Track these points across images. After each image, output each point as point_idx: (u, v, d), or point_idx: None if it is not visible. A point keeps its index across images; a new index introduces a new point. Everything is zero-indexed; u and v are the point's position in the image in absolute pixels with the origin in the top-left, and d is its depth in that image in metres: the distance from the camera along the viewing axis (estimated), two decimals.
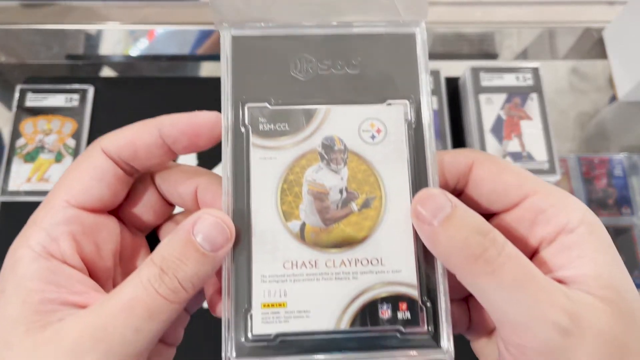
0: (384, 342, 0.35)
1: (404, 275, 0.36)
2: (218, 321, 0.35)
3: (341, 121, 0.37)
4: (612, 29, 0.99)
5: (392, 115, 0.37)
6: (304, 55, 0.37)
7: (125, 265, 0.39)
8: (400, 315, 0.35)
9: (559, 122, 0.94)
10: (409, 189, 0.36)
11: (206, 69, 0.96)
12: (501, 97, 0.91)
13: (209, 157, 0.89)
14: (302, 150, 0.37)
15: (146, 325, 0.32)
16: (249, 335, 0.34)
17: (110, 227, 0.37)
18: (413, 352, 0.35)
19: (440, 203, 0.33)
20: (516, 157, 0.88)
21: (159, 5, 0.98)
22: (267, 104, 0.37)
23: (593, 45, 1.00)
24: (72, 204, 0.35)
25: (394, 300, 0.35)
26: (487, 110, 0.90)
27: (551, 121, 0.88)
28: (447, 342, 0.35)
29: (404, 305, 0.35)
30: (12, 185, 0.85)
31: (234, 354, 0.34)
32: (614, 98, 0.96)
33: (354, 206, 0.36)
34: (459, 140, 0.92)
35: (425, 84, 0.38)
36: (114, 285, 0.34)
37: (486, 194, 0.37)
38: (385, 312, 0.35)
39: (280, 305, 0.35)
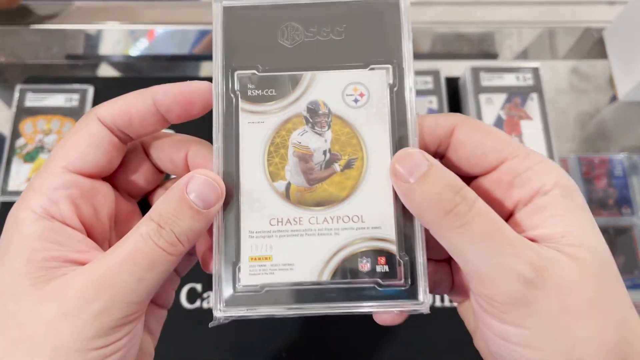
0: (363, 293, 0.36)
1: (383, 231, 0.37)
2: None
3: (326, 86, 0.38)
4: (612, 29, 0.99)
5: (375, 80, 0.38)
6: (290, 23, 0.39)
7: (119, 229, 0.40)
8: (379, 268, 0.37)
9: (559, 122, 0.93)
10: (390, 150, 0.38)
11: (206, 69, 0.97)
12: (501, 97, 0.91)
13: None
14: (288, 115, 0.38)
15: (147, 275, 0.33)
16: (238, 286, 0.36)
17: (105, 192, 0.39)
18: (390, 303, 0.36)
19: (417, 161, 0.34)
20: None
21: (159, 5, 0.99)
22: (255, 71, 0.39)
23: (593, 45, 1.00)
24: (69, 169, 0.36)
25: (373, 255, 0.37)
26: (487, 110, 0.90)
27: (551, 121, 0.88)
28: (423, 294, 0.36)
29: (382, 260, 0.37)
30: (12, 185, 0.84)
31: (223, 304, 0.36)
32: (614, 98, 0.96)
33: (337, 167, 0.38)
34: None
35: (407, 49, 0.39)
36: (110, 247, 0.36)
37: (466, 157, 0.38)
38: (364, 266, 0.37)
39: (266, 258, 0.37)
